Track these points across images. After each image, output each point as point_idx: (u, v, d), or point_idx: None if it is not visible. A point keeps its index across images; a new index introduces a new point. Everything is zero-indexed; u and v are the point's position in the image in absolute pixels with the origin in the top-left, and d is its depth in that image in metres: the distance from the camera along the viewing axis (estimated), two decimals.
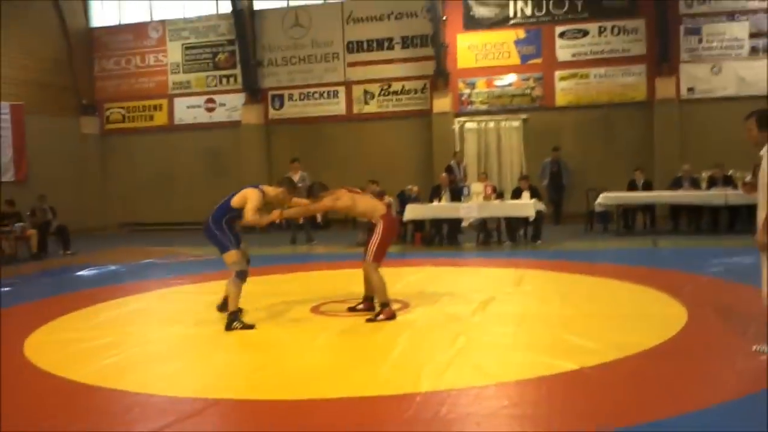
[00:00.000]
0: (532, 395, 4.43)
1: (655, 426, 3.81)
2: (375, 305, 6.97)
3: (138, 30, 20.35)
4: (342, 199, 7.00)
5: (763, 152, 4.90)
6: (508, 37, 17.71)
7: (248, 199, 6.74)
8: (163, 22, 20.14)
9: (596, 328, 6.10)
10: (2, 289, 10.04)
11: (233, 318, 6.63)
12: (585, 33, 17.36)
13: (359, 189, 7.57)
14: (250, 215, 6.67)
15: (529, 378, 4.69)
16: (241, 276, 6.75)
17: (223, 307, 7.07)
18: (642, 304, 7.13)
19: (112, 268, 11.89)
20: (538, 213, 12.70)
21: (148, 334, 6.78)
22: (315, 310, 7.36)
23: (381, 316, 6.68)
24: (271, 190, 6.96)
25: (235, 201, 6.85)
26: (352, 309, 7.11)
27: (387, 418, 4.11)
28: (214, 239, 6.83)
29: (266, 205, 6.98)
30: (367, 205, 7.19)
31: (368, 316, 6.79)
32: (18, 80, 18.17)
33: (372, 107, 18.77)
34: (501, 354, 5.38)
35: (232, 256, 6.77)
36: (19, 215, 13.82)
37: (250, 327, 6.61)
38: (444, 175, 14.25)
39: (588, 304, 7.26)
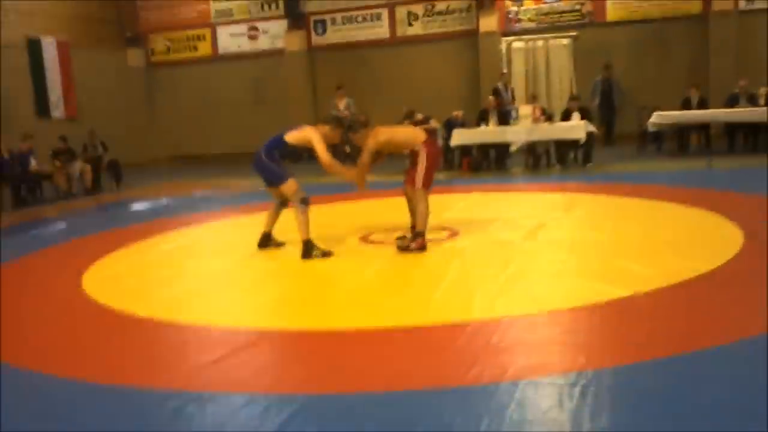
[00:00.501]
0: (585, 323, 4.40)
1: (709, 353, 3.77)
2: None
3: None
4: (380, 135, 6.90)
5: None
6: None
7: (313, 140, 6.72)
8: None
9: (649, 253, 5.99)
10: (58, 225, 10.31)
11: (309, 246, 6.68)
12: None
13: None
14: (325, 157, 6.67)
15: (582, 305, 4.65)
16: (306, 202, 6.78)
17: (263, 243, 7.17)
18: (697, 228, 6.98)
19: (164, 201, 12.09)
20: (589, 135, 12.42)
21: (202, 266, 6.89)
22: (364, 239, 7.39)
23: (413, 245, 6.65)
24: (322, 130, 6.91)
25: (291, 137, 6.85)
26: (400, 239, 7.09)
27: (439, 347, 4.13)
28: (268, 171, 6.87)
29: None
30: (406, 134, 7.10)
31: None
32: (62, 15, 18.25)
33: (416, 29, 18.40)
34: (553, 281, 5.34)
35: (291, 185, 6.81)
36: (72, 151, 14.06)
37: (329, 254, 6.66)
38: (491, 98, 13.99)
39: (641, 228, 7.13)
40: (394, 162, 13.50)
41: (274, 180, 6.93)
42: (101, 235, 9.04)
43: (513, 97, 15.31)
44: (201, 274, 6.56)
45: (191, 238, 8.52)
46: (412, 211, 6.94)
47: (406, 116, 12.81)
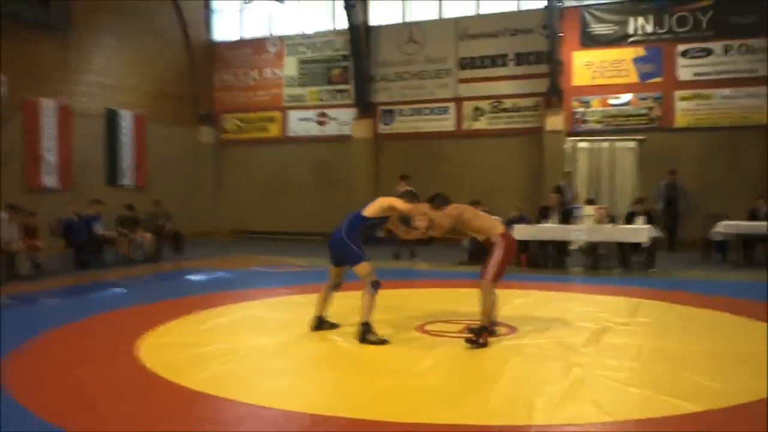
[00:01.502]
0: None
1: None
2: (494, 328, 6.81)
3: (257, 45, 20.98)
4: (465, 212, 6.92)
5: None
6: (626, 54, 17.20)
7: (394, 203, 6.88)
8: (281, 37, 20.69)
9: (719, 368, 5.73)
10: (117, 290, 10.46)
11: (367, 329, 6.62)
12: (709, 52, 16.64)
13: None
14: (412, 209, 6.85)
15: (652, 418, 4.43)
16: (376, 286, 6.74)
17: (317, 327, 7.15)
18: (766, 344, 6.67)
19: (222, 274, 12.19)
20: (653, 239, 12.19)
21: (258, 343, 6.84)
22: (420, 328, 7.28)
23: (481, 340, 6.50)
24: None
25: (369, 210, 6.92)
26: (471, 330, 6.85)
27: None
28: (345, 249, 6.86)
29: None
30: (486, 221, 7.08)
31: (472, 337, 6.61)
32: (142, 90, 19.07)
33: (482, 124, 18.62)
34: (619, 390, 5.10)
35: (365, 267, 6.79)
36: (137, 219, 14.41)
37: (384, 342, 6.59)
38: (554, 195, 13.93)
39: (709, 340, 6.86)
40: (451, 252, 13.44)
41: (349, 259, 6.88)
42: (159, 304, 9.12)
43: (575, 196, 15.21)
44: (255, 351, 6.51)
45: (248, 313, 8.51)
46: None
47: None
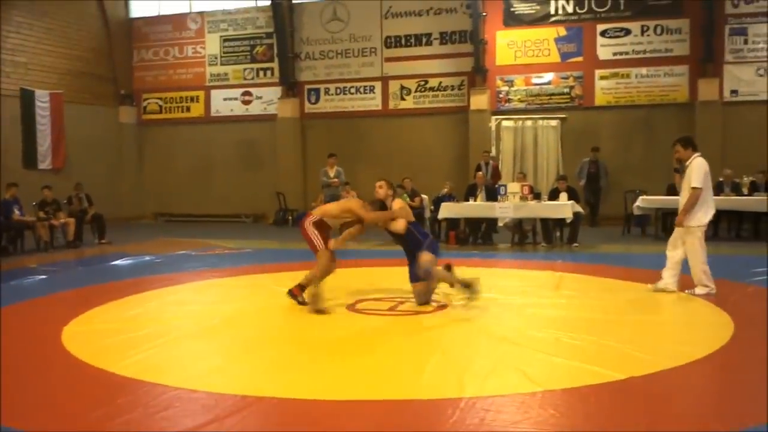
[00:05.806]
0: (580, 405, 4.30)
1: None
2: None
3: (177, 21, 20.48)
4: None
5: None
6: (548, 34, 17.51)
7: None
8: (201, 13, 20.26)
9: (641, 336, 5.95)
10: (39, 277, 10.12)
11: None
12: (627, 32, 17.10)
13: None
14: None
15: (576, 387, 4.57)
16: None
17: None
18: (686, 313, 6.97)
19: (147, 258, 11.93)
20: (576, 215, 12.51)
21: (185, 327, 6.74)
22: (351, 307, 7.30)
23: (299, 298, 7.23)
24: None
25: None
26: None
27: (431, 423, 4.02)
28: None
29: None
30: None
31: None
32: (58, 69, 18.41)
33: (408, 103, 18.68)
34: (544, 360, 5.24)
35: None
36: (57, 203, 13.94)
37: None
38: (480, 173, 14.12)
39: (631, 310, 7.10)
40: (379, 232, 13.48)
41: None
42: (82, 290, 8.87)
43: (494, 174, 15.30)
44: (183, 335, 6.41)
45: (174, 297, 8.34)
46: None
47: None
